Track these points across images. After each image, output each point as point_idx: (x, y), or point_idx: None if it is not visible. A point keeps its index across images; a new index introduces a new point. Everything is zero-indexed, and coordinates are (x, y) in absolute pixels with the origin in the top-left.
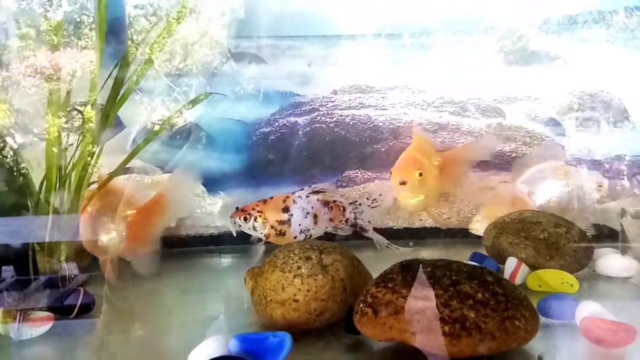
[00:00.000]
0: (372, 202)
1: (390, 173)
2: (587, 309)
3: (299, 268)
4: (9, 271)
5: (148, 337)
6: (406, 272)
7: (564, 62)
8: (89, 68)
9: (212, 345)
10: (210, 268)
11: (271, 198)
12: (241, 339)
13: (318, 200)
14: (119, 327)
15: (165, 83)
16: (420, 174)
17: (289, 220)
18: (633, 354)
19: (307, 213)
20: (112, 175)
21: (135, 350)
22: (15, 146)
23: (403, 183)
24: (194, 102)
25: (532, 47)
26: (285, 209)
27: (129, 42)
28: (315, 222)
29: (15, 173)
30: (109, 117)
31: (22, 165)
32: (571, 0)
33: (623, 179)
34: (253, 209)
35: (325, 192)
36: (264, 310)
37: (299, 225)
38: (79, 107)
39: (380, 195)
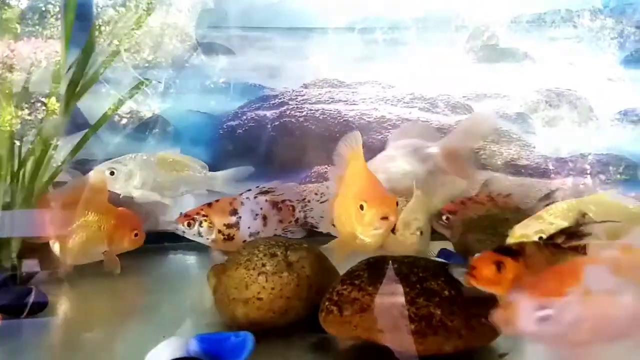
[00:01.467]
0: (321, 196)
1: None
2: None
3: (263, 265)
4: None
5: (104, 338)
6: (372, 269)
7: (532, 60)
8: (54, 58)
9: (171, 346)
10: (175, 265)
11: (217, 201)
12: (201, 339)
13: (266, 200)
14: (75, 328)
15: (133, 75)
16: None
17: (237, 223)
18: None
19: (256, 215)
20: (58, 168)
21: (89, 353)
22: None
23: (385, 218)
24: (133, 90)
25: (502, 45)
26: (233, 212)
27: (97, 33)
28: (265, 224)
29: None
30: (68, 106)
31: None
32: None
33: (586, 177)
34: (197, 213)
35: (274, 191)
36: (227, 309)
37: (248, 228)
38: (42, 99)
39: (327, 188)
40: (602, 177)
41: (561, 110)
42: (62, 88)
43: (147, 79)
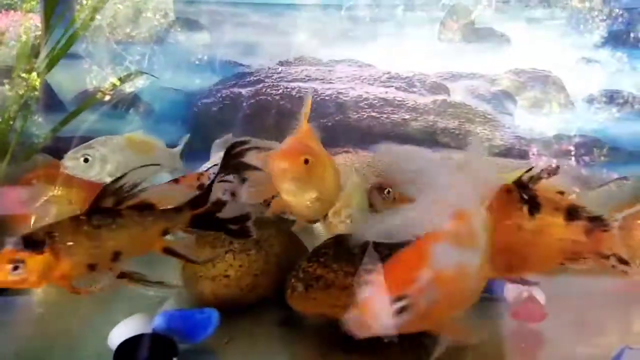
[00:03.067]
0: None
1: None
2: (517, 285)
3: (231, 243)
4: None
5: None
6: (337, 247)
7: (508, 40)
8: (33, 33)
9: (136, 322)
10: None
11: (184, 176)
12: (167, 315)
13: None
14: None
15: (108, 49)
16: (307, 161)
17: None
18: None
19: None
20: (40, 143)
21: (61, 326)
22: None
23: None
24: (126, 77)
25: (479, 25)
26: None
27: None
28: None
29: None
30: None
31: None
32: None
33: (570, 159)
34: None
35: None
36: (194, 286)
37: None
38: (23, 75)
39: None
40: (577, 158)
41: (536, 91)
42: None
43: (150, 74)
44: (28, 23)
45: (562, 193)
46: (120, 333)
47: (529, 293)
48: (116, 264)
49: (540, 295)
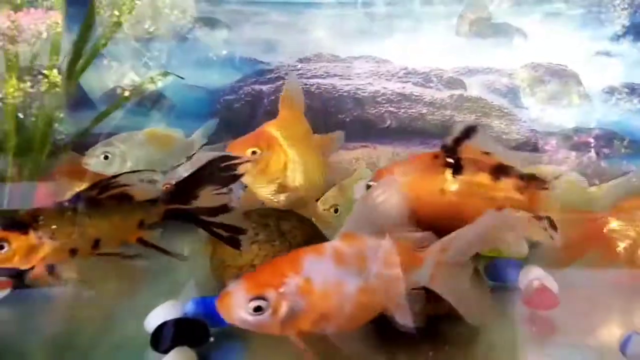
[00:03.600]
0: None
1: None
2: (530, 274)
3: (256, 234)
4: None
5: (112, 297)
6: None
7: (524, 35)
8: (54, 30)
9: (169, 308)
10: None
11: None
12: (196, 302)
13: None
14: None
15: (132, 47)
16: (254, 152)
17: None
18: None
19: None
20: (74, 140)
21: (94, 313)
22: None
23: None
24: (158, 76)
25: (495, 20)
26: None
27: (97, 4)
28: None
29: None
30: (70, 80)
31: None
32: None
33: (590, 151)
34: None
35: None
36: (222, 275)
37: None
38: (44, 71)
39: None
40: (594, 151)
41: (553, 84)
42: (62, 60)
43: (176, 74)
44: (49, 20)
45: (487, 154)
46: (155, 318)
47: (541, 282)
48: (95, 251)
49: (552, 284)
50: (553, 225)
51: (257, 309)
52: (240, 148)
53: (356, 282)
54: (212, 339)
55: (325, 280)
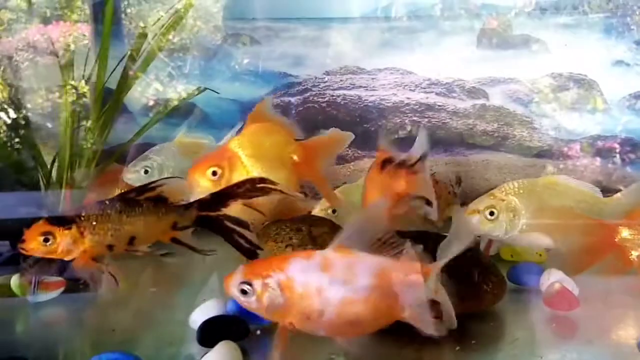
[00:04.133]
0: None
1: None
2: (552, 277)
3: (290, 239)
4: (4, 246)
5: (155, 298)
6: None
7: (544, 46)
8: (82, 42)
9: (212, 306)
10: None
11: None
12: (236, 301)
13: None
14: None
15: (169, 62)
16: (215, 173)
17: None
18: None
19: None
20: (119, 150)
21: (142, 309)
22: (8, 121)
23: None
24: (194, 91)
25: (515, 32)
26: None
27: (129, 23)
28: None
29: (9, 149)
30: (119, 101)
31: (16, 140)
32: None
33: (615, 156)
34: None
35: None
36: None
37: None
38: (72, 82)
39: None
40: (616, 158)
41: (572, 93)
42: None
43: (203, 88)
44: (76, 32)
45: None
46: (200, 315)
47: (561, 284)
48: (130, 247)
49: (572, 286)
50: (428, 203)
51: (244, 292)
52: (202, 167)
53: (341, 291)
54: (258, 332)
55: (306, 282)
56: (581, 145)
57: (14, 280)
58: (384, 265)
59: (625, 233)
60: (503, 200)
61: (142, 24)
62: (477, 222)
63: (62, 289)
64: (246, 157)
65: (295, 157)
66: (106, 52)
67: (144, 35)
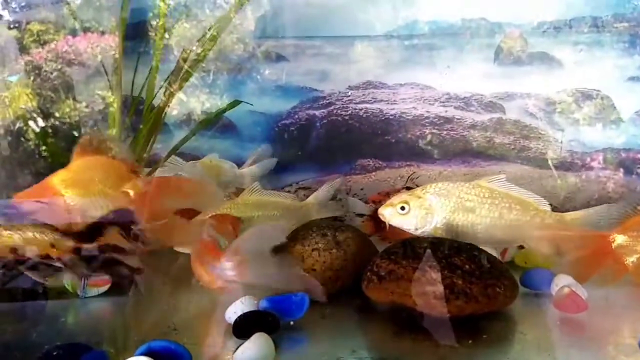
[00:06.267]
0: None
1: None
2: (561, 281)
3: (316, 243)
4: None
5: (192, 297)
6: (405, 247)
7: (559, 63)
8: (109, 53)
9: (246, 303)
10: None
11: None
12: (269, 299)
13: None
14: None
15: (205, 77)
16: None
17: None
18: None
19: None
20: (156, 166)
21: (179, 306)
22: (37, 130)
23: None
24: (224, 109)
25: (531, 50)
26: None
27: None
28: None
29: (37, 156)
30: (158, 122)
31: (43, 148)
32: (566, 6)
33: (609, 170)
34: None
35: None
36: None
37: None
38: (99, 92)
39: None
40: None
41: (586, 108)
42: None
43: (238, 101)
44: (103, 44)
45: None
46: (235, 310)
47: (571, 288)
48: None
49: (581, 290)
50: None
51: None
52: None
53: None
54: (292, 323)
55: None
56: (591, 157)
57: (66, 280)
58: None
59: (620, 240)
60: (419, 197)
61: (185, 47)
62: (388, 214)
63: (107, 285)
64: (65, 189)
65: (131, 193)
66: (156, 71)
67: (185, 59)
